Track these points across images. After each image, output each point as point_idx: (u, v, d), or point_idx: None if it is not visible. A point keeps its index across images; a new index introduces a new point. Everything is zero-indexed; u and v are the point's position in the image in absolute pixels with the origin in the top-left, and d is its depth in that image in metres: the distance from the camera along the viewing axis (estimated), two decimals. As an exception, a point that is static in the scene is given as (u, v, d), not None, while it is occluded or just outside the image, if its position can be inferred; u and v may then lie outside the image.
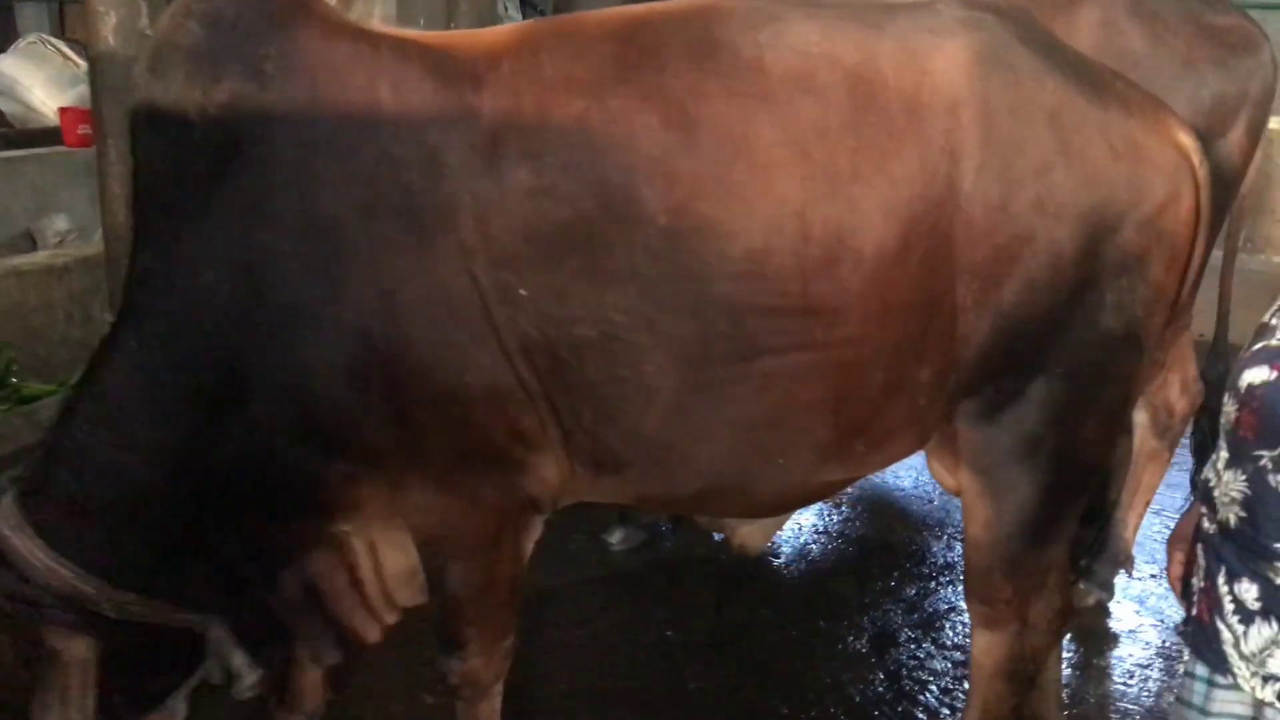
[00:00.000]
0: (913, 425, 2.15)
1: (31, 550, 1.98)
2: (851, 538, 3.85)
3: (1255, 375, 1.62)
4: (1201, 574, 1.76)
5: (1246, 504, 1.62)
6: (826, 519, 3.96)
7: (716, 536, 2.59)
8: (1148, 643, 3.31)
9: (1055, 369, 2.07)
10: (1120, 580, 3.61)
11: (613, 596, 3.40)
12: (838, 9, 2.09)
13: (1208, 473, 1.73)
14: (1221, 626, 1.69)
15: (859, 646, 3.25)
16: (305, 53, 1.98)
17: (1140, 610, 3.47)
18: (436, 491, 2.12)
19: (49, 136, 6.02)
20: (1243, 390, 1.64)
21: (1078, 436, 2.14)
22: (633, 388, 2.00)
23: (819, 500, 2.38)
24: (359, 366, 1.98)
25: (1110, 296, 2.03)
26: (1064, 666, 3.16)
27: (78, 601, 2.00)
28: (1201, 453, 3.30)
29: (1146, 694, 3.09)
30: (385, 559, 2.34)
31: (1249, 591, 1.64)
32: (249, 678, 2.19)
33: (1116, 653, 3.28)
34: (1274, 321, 1.67)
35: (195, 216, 1.98)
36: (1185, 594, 1.85)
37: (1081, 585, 3.53)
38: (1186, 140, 2.10)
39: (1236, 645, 1.67)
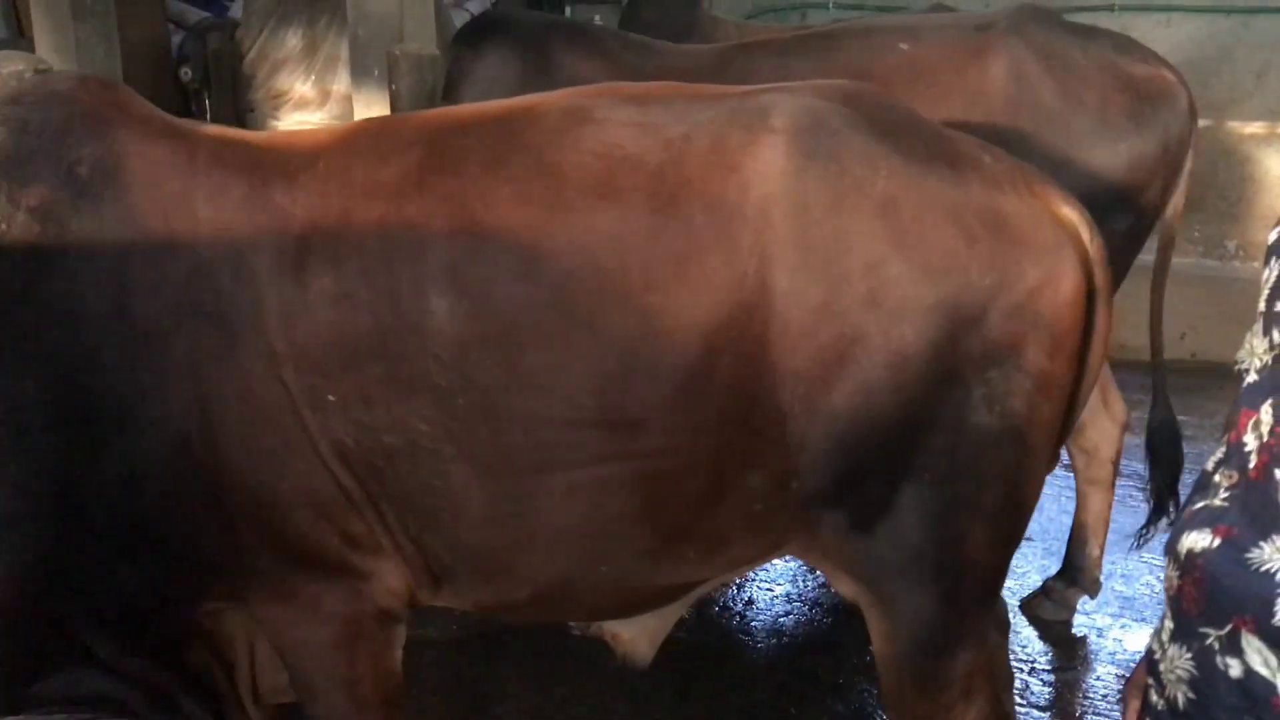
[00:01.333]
0: (752, 531, 2.03)
1: None
2: (825, 606, 3.69)
3: (1196, 541, 1.43)
4: None
5: (1194, 685, 1.44)
6: (800, 585, 3.80)
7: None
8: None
9: (924, 474, 1.91)
10: (1108, 644, 3.46)
11: (573, 690, 3.24)
12: (661, 106, 1.99)
13: (1152, 642, 1.55)
14: None
15: (831, 733, 3.09)
16: (120, 156, 1.96)
17: (1128, 675, 3.28)
18: (276, 600, 2.08)
19: None
20: (1183, 557, 1.45)
21: (964, 544, 1.97)
22: (444, 497, 1.97)
23: (673, 601, 2.24)
24: (181, 476, 1.95)
25: (979, 392, 1.87)
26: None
27: None
28: (1158, 506, 3.22)
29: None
30: (260, 650, 2.27)
31: None
32: None
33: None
34: (1217, 478, 1.48)
35: (7, 326, 1.92)
36: None
37: (1046, 603, 3.54)
38: (1069, 214, 1.94)
39: None
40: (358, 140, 2.06)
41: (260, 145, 2.08)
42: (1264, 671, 1.34)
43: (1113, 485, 3.46)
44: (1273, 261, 1.44)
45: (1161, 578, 3.68)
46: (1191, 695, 1.44)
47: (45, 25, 5.49)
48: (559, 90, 2.15)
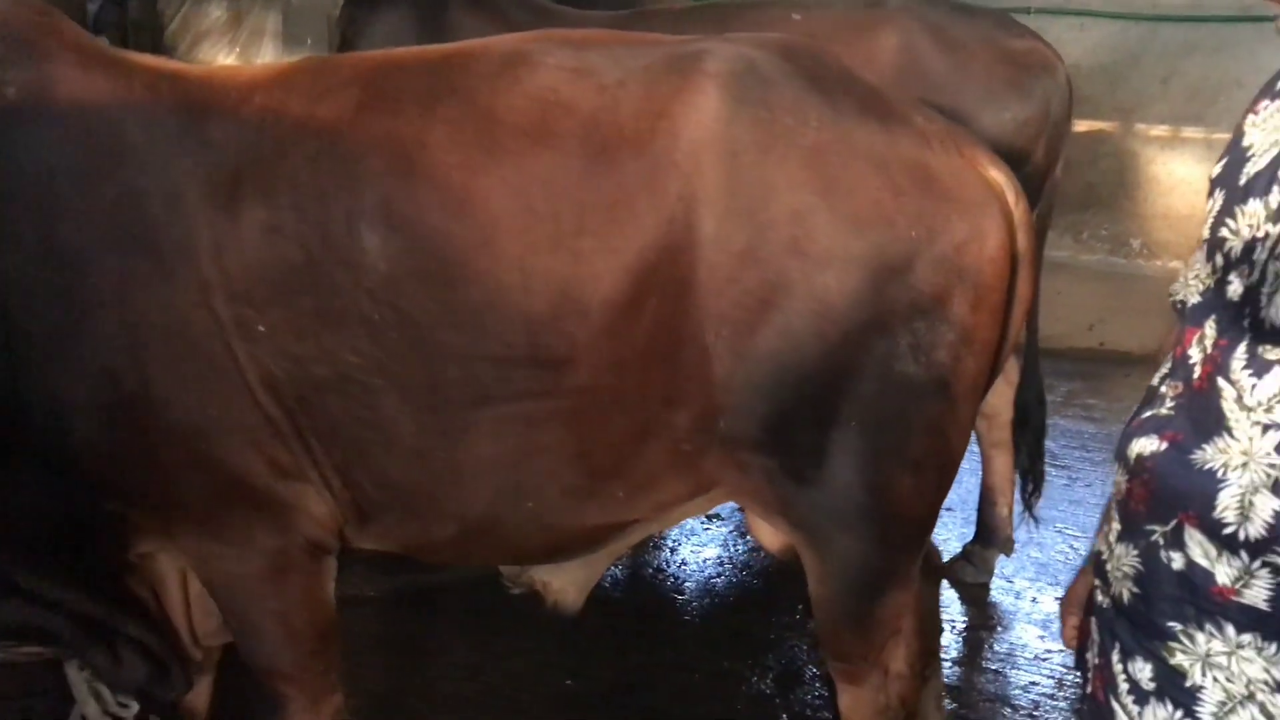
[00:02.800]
0: (679, 470, 2.08)
1: None
2: (756, 569, 3.78)
3: (1145, 445, 1.53)
4: (1096, 650, 1.68)
5: (1139, 580, 1.54)
6: (732, 549, 3.89)
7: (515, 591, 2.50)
8: (1052, 672, 3.28)
9: (851, 420, 1.96)
10: (1025, 605, 3.61)
11: (511, 645, 3.28)
12: (599, 52, 2.02)
13: (1099, 545, 1.65)
14: (1116, 707, 1.61)
15: (763, 686, 3.17)
16: (53, 81, 1.95)
17: (1044, 636, 3.44)
18: (205, 534, 2.09)
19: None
20: (1132, 461, 1.55)
21: (892, 491, 2.04)
22: (374, 430, 2.00)
23: (605, 543, 2.28)
24: (106, 402, 1.95)
25: (906, 341, 1.92)
26: (969, 697, 3.15)
27: None
28: (1026, 474, 3.40)
29: (1051, 725, 3.07)
30: (194, 586, 2.28)
31: (1143, 671, 1.56)
32: (128, 711, 2.17)
33: (1020, 679, 3.25)
34: (1163, 389, 1.59)
35: None
36: (1080, 666, 1.78)
37: (967, 567, 3.70)
38: (995, 174, 2.00)
39: None
40: (295, 77, 2.06)
41: (196, 78, 2.07)
42: (1204, 562, 1.45)
43: (1013, 446, 3.57)
44: (1216, 193, 1.54)
45: (1073, 545, 3.87)
46: (1136, 590, 1.54)
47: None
48: (498, 36, 2.17)
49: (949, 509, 4.09)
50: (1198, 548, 1.46)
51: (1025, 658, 3.34)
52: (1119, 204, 6.86)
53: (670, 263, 1.89)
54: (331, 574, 2.22)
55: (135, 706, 2.18)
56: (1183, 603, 1.48)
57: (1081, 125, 6.80)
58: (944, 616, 3.45)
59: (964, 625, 3.52)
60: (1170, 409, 1.53)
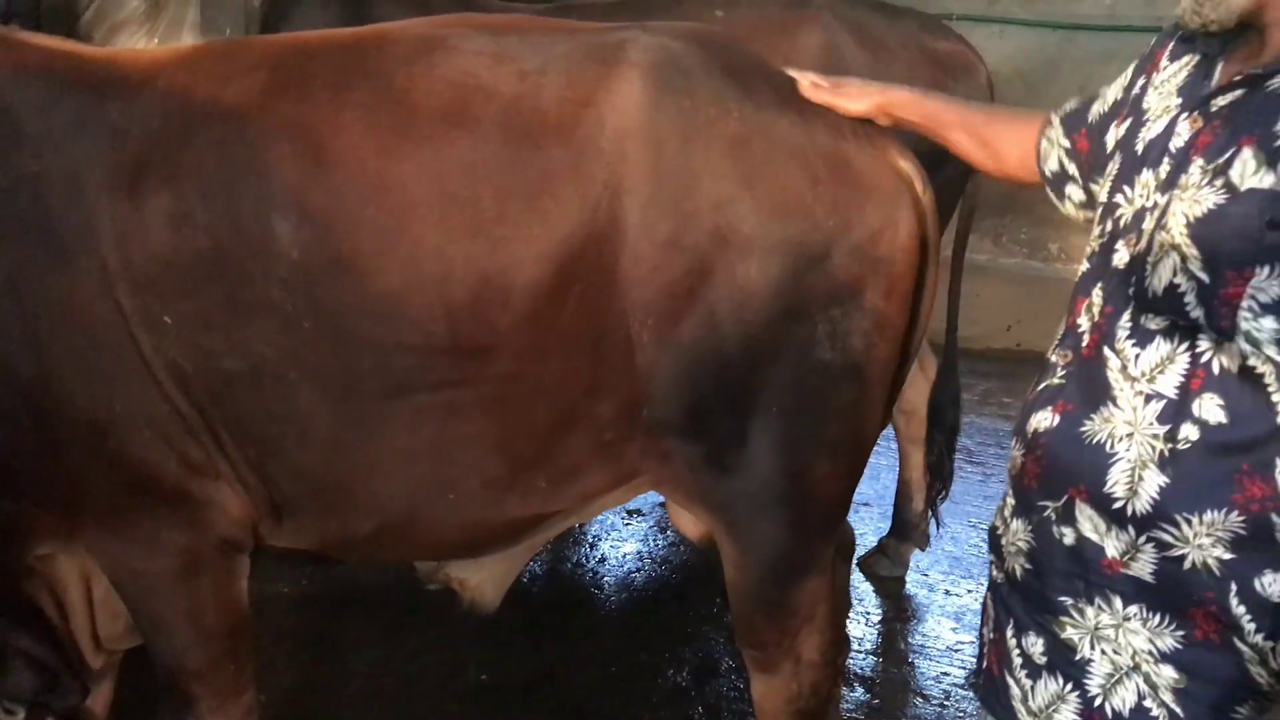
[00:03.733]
0: (602, 460, 2.07)
1: None
2: (675, 563, 3.79)
3: (1039, 420, 1.56)
4: (991, 625, 1.72)
5: (1031, 555, 1.58)
6: (651, 544, 3.90)
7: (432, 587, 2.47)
8: (964, 663, 3.33)
9: (770, 406, 1.98)
10: (939, 597, 3.66)
11: (425, 641, 3.25)
12: (518, 37, 2.00)
13: (995, 520, 1.69)
14: (1010, 681, 1.64)
15: (680, 679, 3.18)
16: None
17: (957, 628, 3.49)
18: (111, 532, 2.03)
19: None
20: (1028, 435, 1.58)
21: (809, 475, 2.06)
22: (288, 423, 1.95)
23: (526, 538, 2.26)
24: (4, 397, 1.89)
25: (823, 328, 1.95)
26: (882, 687, 3.19)
27: None
28: (935, 471, 3.44)
29: (958, 712, 3.11)
30: (97, 589, 2.21)
31: (1035, 646, 1.59)
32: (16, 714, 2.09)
33: (932, 670, 3.29)
34: (1054, 358, 1.61)
35: None
36: (978, 642, 1.81)
37: (883, 560, 3.76)
38: (905, 165, 2.03)
39: (1025, 700, 1.62)
40: (200, 60, 2.00)
41: (95, 59, 2.00)
42: (1094, 537, 1.49)
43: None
44: (1116, 156, 1.59)
45: (986, 540, 3.91)
46: (1029, 566, 1.58)
47: None
48: (410, 19, 2.12)
49: (866, 504, 4.15)
50: (1088, 522, 1.49)
51: (938, 649, 3.39)
52: (1037, 209, 6.98)
53: (594, 251, 1.88)
54: (244, 572, 2.17)
55: (21, 712, 2.11)
56: (1073, 577, 1.52)
57: (1001, 131, 6.96)
58: (859, 609, 3.51)
59: (879, 617, 3.56)
60: (1061, 378, 1.56)
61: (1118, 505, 1.46)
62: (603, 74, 1.92)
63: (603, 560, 3.77)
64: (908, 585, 3.73)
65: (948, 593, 3.68)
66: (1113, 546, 1.47)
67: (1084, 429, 1.49)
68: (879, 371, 2.04)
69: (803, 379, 1.98)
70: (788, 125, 1.96)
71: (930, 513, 3.56)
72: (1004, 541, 1.64)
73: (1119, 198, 1.54)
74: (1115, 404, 1.47)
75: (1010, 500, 1.63)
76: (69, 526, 2.06)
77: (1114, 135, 1.62)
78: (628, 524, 4.02)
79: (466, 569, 2.40)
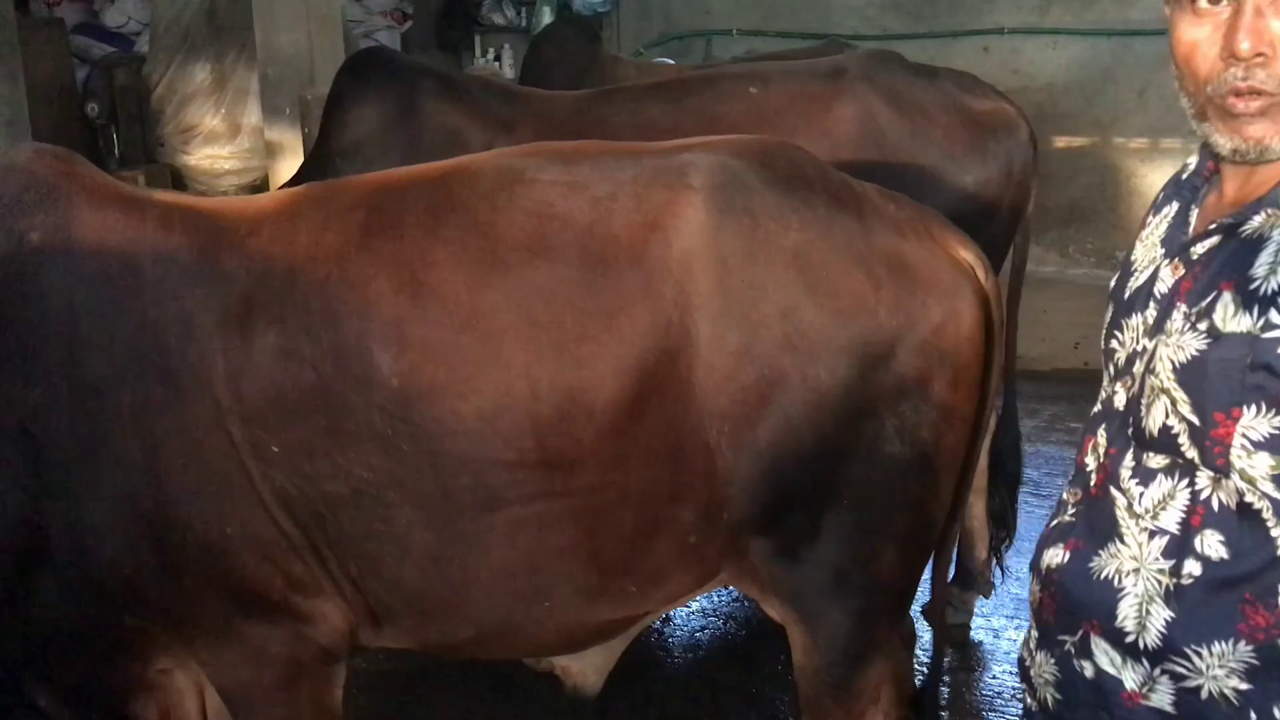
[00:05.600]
0: (687, 563, 2.17)
1: None
2: (740, 620, 3.85)
3: (1052, 556, 1.61)
4: None
5: (1059, 687, 1.60)
6: (715, 600, 3.95)
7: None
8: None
9: (843, 501, 2.08)
10: (1005, 644, 3.66)
11: (496, 711, 3.35)
12: (589, 165, 2.13)
13: (1022, 651, 1.71)
14: None
15: (745, 741, 3.24)
16: (71, 222, 2.07)
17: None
18: (222, 645, 2.15)
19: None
20: (1043, 571, 1.63)
21: (879, 564, 2.15)
22: (389, 541, 2.07)
23: (615, 636, 2.38)
24: (128, 525, 2.03)
25: (891, 423, 2.04)
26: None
27: None
28: (998, 520, 3.43)
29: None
30: (210, 701, 2.32)
31: None
32: None
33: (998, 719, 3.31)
34: (1065, 496, 1.66)
35: None
36: None
37: (947, 609, 3.65)
38: (966, 255, 2.11)
39: None
40: (301, 205, 2.16)
41: (207, 210, 2.18)
42: (1111, 670, 1.51)
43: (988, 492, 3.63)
44: (1109, 305, 1.62)
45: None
46: (1058, 696, 1.61)
47: (-51, 67, 5.47)
48: (490, 151, 2.29)
49: (930, 547, 4.15)
50: (1104, 656, 1.52)
51: (1004, 697, 3.40)
52: (1102, 217, 6.92)
53: (669, 364, 2.00)
54: (340, 679, 2.29)
55: None
56: (1098, 709, 1.54)
57: (1060, 141, 6.88)
58: (924, 659, 3.52)
59: (944, 667, 3.57)
60: (1072, 516, 1.61)
61: (1129, 639, 1.48)
62: (668, 198, 2.05)
63: (668, 620, 3.84)
64: (973, 631, 3.74)
65: (1013, 639, 3.68)
66: (1130, 679, 1.50)
67: (1093, 565, 1.53)
68: (946, 459, 2.13)
69: (873, 472, 2.07)
70: (846, 230, 2.06)
71: (995, 560, 3.57)
72: (1032, 673, 1.66)
73: (1114, 343, 1.59)
74: (1122, 540, 1.50)
75: (1034, 633, 1.66)
76: (184, 641, 2.19)
77: (1110, 285, 1.66)
78: (692, 579, 4.08)
79: (569, 657, 2.50)
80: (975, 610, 3.77)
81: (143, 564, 2.06)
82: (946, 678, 3.52)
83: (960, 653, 3.64)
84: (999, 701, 3.38)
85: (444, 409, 1.99)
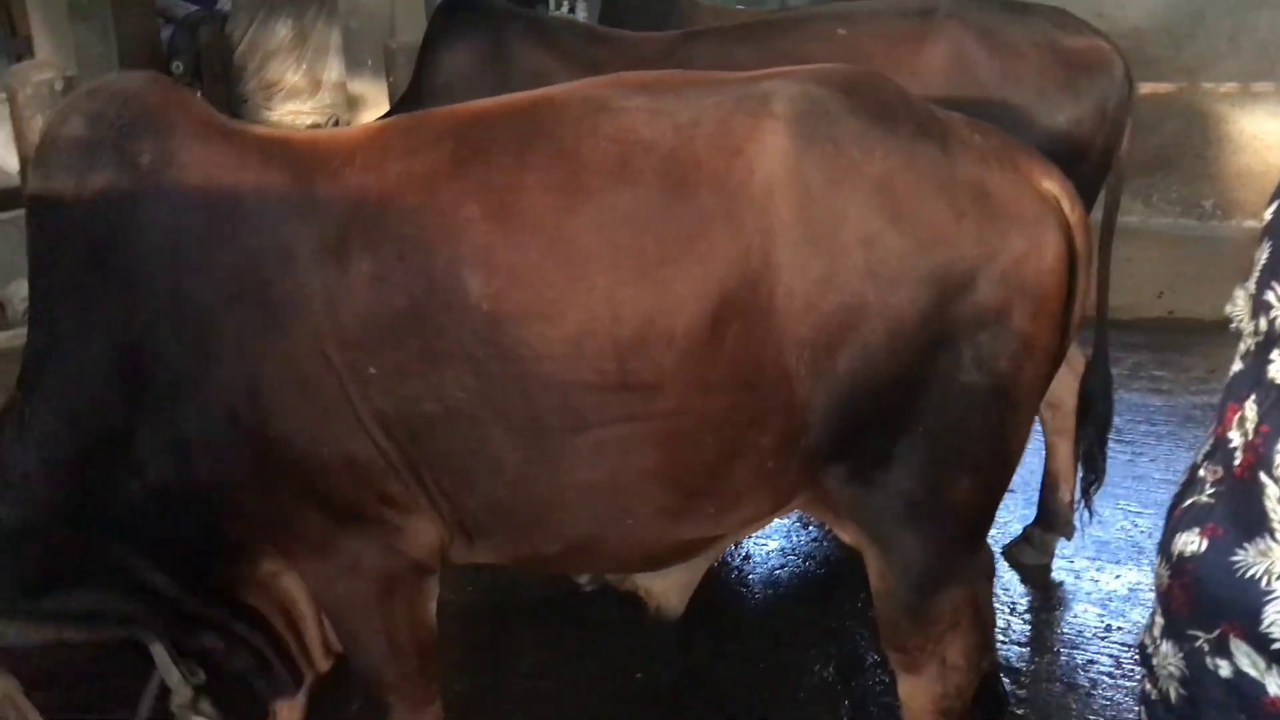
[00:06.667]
0: (765, 487, 2.22)
1: None
2: (818, 559, 3.88)
3: (1186, 543, 1.42)
4: None
5: (1185, 683, 1.45)
6: (794, 540, 3.99)
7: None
8: (1111, 650, 3.33)
9: (918, 429, 2.10)
10: (1086, 584, 3.66)
11: (581, 643, 3.44)
12: (672, 94, 2.16)
13: (1144, 637, 1.56)
14: None
15: (825, 675, 3.28)
16: (179, 150, 2.17)
17: (1104, 614, 3.49)
18: (318, 557, 2.28)
19: (12, 200, 6.03)
20: (1174, 558, 1.44)
21: (954, 493, 2.17)
22: (480, 459, 2.15)
23: (698, 554, 2.45)
24: (228, 443, 2.15)
25: (969, 353, 2.05)
26: (1029, 677, 3.22)
27: None
28: (1087, 463, 3.39)
29: (1105, 700, 3.12)
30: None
31: None
32: (180, 694, 2.31)
33: (1079, 658, 3.31)
34: (1202, 472, 1.45)
35: (79, 299, 2.17)
36: None
37: (1027, 549, 3.76)
38: (1051, 186, 2.11)
39: None
40: (391, 136, 2.24)
41: (302, 143, 2.28)
42: (1253, 673, 1.36)
43: (1075, 434, 3.59)
44: (1264, 242, 1.40)
45: (1135, 523, 3.87)
46: (1183, 692, 1.46)
47: (43, 26, 5.66)
48: (576, 81, 2.32)
49: (1010, 490, 4.10)
50: (1245, 658, 1.37)
51: (1084, 637, 3.40)
52: (1189, 165, 6.74)
53: (750, 291, 2.03)
54: (434, 593, 2.41)
55: (202, 674, 2.35)
56: (1232, 709, 1.40)
57: (1146, 88, 6.69)
58: (1004, 598, 3.55)
59: (1024, 607, 3.58)
60: (1210, 496, 1.42)
61: (1276, 646, 1.33)
62: (751, 125, 2.07)
63: (747, 558, 3.89)
64: (1053, 570, 3.74)
65: (1094, 579, 3.67)
66: (1275, 685, 1.35)
67: (1237, 559, 1.36)
68: (1026, 390, 2.14)
69: (949, 401, 2.09)
70: (930, 159, 2.06)
71: (1084, 503, 3.55)
72: (1155, 662, 1.51)
73: (1270, 295, 1.36)
74: (1273, 537, 1.32)
75: (1159, 619, 1.50)
76: (284, 553, 2.34)
77: (1268, 216, 1.41)
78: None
79: (651, 578, 2.59)
80: (1056, 552, 3.76)
81: (242, 480, 2.19)
82: (1028, 616, 3.53)
83: (1041, 593, 3.64)
84: (1080, 640, 3.38)
85: (530, 332, 2.05)
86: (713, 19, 4.58)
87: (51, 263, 2.21)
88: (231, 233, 2.14)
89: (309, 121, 7.78)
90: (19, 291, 5.50)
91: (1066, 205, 2.12)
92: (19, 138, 3.57)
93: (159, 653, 2.28)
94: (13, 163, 6.48)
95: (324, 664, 2.62)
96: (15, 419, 2.21)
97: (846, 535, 2.34)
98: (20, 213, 5.80)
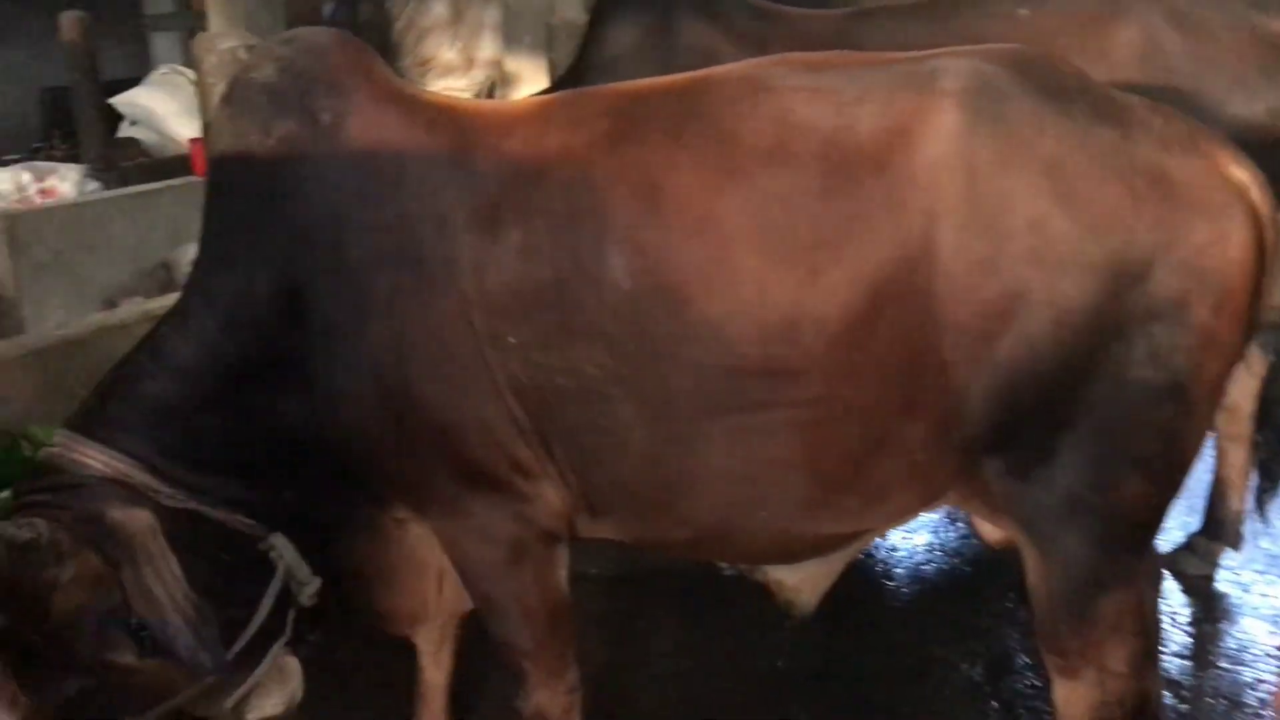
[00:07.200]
0: (913, 480, 2.13)
1: (82, 449, 2.17)
2: (968, 556, 3.78)
3: None
4: None
5: None
6: (943, 535, 3.90)
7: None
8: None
9: (1084, 423, 1.99)
10: (1253, 598, 3.48)
11: (723, 624, 3.42)
12: (835, 72, 2.11)
13: None
14: None
15: (972, 674, 3.19)
16: (356, 112, 2.24)
17: (1275, 631, 3.31)
18: (450, 519, 2.32)
19: (182, 166, 6.29)
20: None
21: (1121, 493, 2.04)
22: (610, 436, 2.14)
23: (838, 549, 2.36)
24: (371, 397, 2.19)
25: (1142, 346, 1.94)
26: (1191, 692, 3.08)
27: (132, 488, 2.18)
28: (1265, 471, 3.20)
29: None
30: (446, 561, 2.47)
31: None
32: (310, 585, 2.34)
33: (1246, 676, 3.14)
34: None
35: (251, 230, 2.26)
36: None
37: (1190, 558, 3.60)
38: (1239, 173, 1.98)
39: None
40: (552, 110, 2.26)
41: (468, 112, 2.33)
42: None
43: (1251, 440, 3.43)
44: None
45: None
46: None
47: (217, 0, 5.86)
48: (737, 62, 2.28)
49: (1172, 496, 3.96)
50: None
51: (1252, 653, 3.23)
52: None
53: (908, 274, 1.96)
54: (564, 561, 2.41)
55: (318, 581, 2.36)
56: None
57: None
58: (1165, 609, 3.38)
59: (1186, 618, 3.42)
60: None
61: None
62: (916, 103, 2.00)
63: (894, 550, 3.82)
64: (1217, 583, 3.57)
65: (1263, 594, 3.49)
66: None
67: None
68: (1205, 388, 2.02)
69: (1119, 396, 1.98)
70: (1106, 141, 1.96)
71: (1259, 513, 3.38)
72: None
73: None
74: None
75: None
76: (417, 509, 2.37)
77: None
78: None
79: (785, 571, 2.52)
80: (1222, 563, 3.58)
81: (381, 433, 2.23)
82: (1190, 629, 3.37)
83: (1204, 604, 3.47)
84: (1247, 656, 3.22)
85: (671, 312, 2.03)
86: (872, -3, 4.47)
87: (229, 191, 2.30)
88: (392, 195, 2.19)
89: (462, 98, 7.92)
90: (185, 255, 5.72)
91: (1256, 195, 1.98)
92: (204, 103, 3.70)
93: (286, 546, 2.33)
94: (183, 131, 6.75)
95: (433, 618, 2.63)
96: (179, 312, 2.31)
97: (1001, 532, 2.24)
98: (188, 179, 6.07)
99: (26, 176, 5.71)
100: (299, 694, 2.34)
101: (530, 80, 5.60)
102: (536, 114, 2.26)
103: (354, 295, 2.19)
